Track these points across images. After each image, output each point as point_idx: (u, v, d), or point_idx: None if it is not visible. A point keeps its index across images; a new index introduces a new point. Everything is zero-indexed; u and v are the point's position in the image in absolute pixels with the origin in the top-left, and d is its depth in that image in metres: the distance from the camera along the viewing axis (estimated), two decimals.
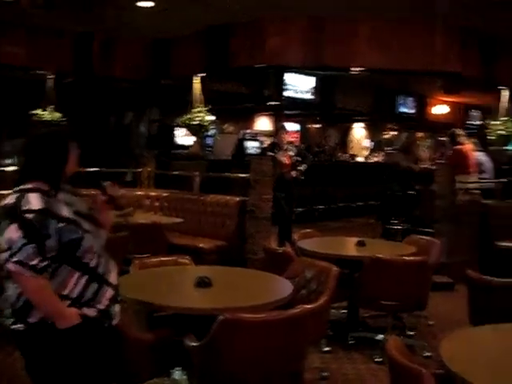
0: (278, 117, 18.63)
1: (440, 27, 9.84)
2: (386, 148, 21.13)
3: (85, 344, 3.04)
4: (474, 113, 20.58)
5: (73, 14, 9.85)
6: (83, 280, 3.05)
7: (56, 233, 2.95)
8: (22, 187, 3.03)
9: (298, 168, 10.16)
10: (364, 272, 5.79)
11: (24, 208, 2.93)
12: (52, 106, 11.48)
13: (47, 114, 11.38)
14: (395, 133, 22.60)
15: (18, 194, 3.00)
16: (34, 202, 2.95)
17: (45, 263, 2.91)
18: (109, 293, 3.14)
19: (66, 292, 3.01)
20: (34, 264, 2.88)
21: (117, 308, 3.21)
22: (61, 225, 2.98)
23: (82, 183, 3.65)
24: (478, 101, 17.96)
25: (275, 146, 10.14)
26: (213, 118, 10.94)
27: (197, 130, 10.59)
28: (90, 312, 3.05)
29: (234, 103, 16.01)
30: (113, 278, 3.20)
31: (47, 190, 3.04)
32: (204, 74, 10.72)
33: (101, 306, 3.09)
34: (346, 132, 22.07)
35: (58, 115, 11.42)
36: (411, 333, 6.58)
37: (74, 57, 11.04)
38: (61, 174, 3.12)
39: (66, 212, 3.04)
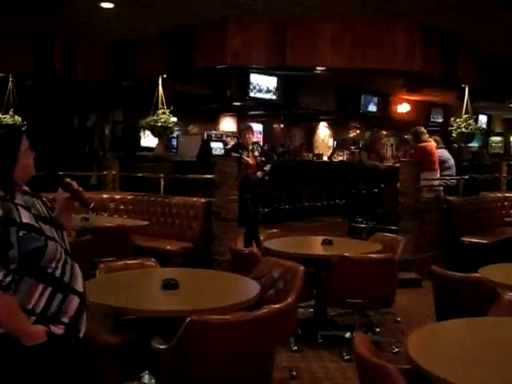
0: (242, 117, 18.65)
1: (402, 27, 9.93)
2: (350, 147, 21.30)
3: (50, 361, 2.89)
4: (437, 111, 20.79)
5: (32, 15, 9.74)
6: (47, 292, 2.87)
7: (17, 242, 2.76)
8: None
9: (263, 168, 10.17)
10: (331, 271, 5.82)
11: None
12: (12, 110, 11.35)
13: (8, 118, 11.24)
14: (359, 132, 22.79)
15: None
16: None
17: (9, 278, 2.74)
18: (75, 302, 2.97)
19: (29, 306, 2.84)
20: None
21: (84, 318, 3.05)
22: (22, 233, 2.79)
23: (45, 187, 3.51)
24: (441, 99, 18.14)
25: (240, 147, 10.14)
26: (176, 119, 10.90)
27: (161, 131, 10.53)
28: (57, 330, 2.88)
29: (197, 104, 15.98)
30: (79, 284, 3.03)
31: (2, 196, 2.86)
32: (166, 76, 10.67)
33: (66, 319, 2.91)
34: (311, 131, 22.15)
35: (19, 118, 11.29)
36: (379, 330, 6.63)
37: (34, 58, 10.91)
38: (11, 175, 2.91)
39: (26, 218, 2.86)
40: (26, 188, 3.08)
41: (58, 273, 2.91)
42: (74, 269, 3.04)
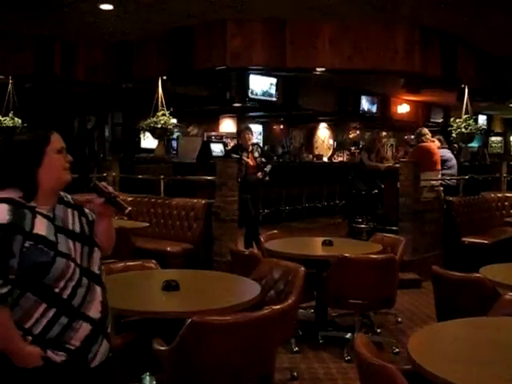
0: (242, 119, 18.65)
1: (401, 27, 9.94)
2: (350, 147, 21.31)
3: None
4: (437, 111, 20.80)
5: (32, 17, 9.74)
6: (50, 313, 2.64)
7: (20, 252, 2.57)
8: None
9: (264, 169, 10.17)
10: (331, 271, 5.82)
11: None
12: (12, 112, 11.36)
13: (8, 120, 11.24)
14: (359, 132, 22.79)
15: None
16: (0, 214, 2.59)
17: (5, 290, 2.54)
18: (84, 329, 2.71)
19: (27, 325, 2.63)
20: None
21: (101, 347, 2.79)
22: (27, 244, 2.59)
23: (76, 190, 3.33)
24: (440, 99, 18.14)
25: (240, 148, 10.15)
26: (175, 120, 10.90)
27: (161, 133, 10.54)
28: (55, 356, 2.65)
29: (197, 106, 15.98)
30: (94, 310, 2.76)
31: (18, 200, 2.68)
32: (166, 77, 10.68)
33: (71, 346, 2.68)
34: (311, 132, 22.15)
35: (19, 121, 11.29)
36: (380, 330, 6.64)
37: (34, 60, 10.91)
38: (33, 177, 2.73)
39: (41, 228, 2.66)
40: (68, 197, 2.93)
41: (66, 294, 2.68)
42: (91, 293, 2.78)
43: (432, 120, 20.45)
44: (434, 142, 10.63)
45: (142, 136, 16.72)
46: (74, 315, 2.69)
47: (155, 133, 10.54)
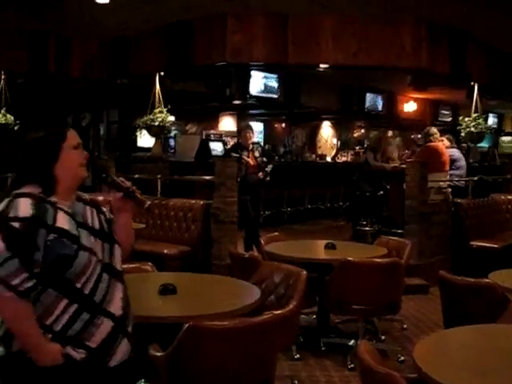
0: (243, 116, 18.66)
1: (407, 22, 9.93)
2: (355, 147, 21.30)
3: None
4: (445, 110, 20.79)
5: (27, 12, 9.75)
6: (72, 309, 2.71)
7: (44, 245, 2.65)
8: (15, 192, 2.76)
9: (265, 169, 10.17)
10: (334, 275, 5.82)
11: (11, 215, 2.64)
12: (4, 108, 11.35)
13: (0, 117, 11.24)
14: (363, 131, 22.78)
15: (8, 200, 2.72)
16: (23, 208, 2.67)
17: (30, 284, 2.61)
18: (105, 326, 2.78)
19: (48, 322, 2.68)
20: (16, 283, 2.58)
21: (121, 346, 2.85)
22: (51, 236, 2.67)
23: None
24: (449, 97, 18.15)
25: (240, 147, 10.15)
26: (173, 118, 10.91)
27: (158, 131, 10.55)
28: (76, 354, 2.70)
29: (196, 103, 15.99)
30: (115, 306, 2.84)
31: (39, 195, 2.76)
32: (164, 73, 10.68)
33: (92, 344, 2.73)
34: (314, 131, 22.15)
35: (11, 117, 11.29)
36: (384, 337, 6.63)
37: (28, 55, 10.91)
38: (50, 173, 2.82)
39: (63, 222, 2.75)
40: (85, 195, 3.02)
41: (87, 289, 2.75)
42: (113, 289, 2.86)
43: (440, 119, 20.45)
44: (442, 141, 10.61)
45: (138, 134, 16.66)
46: (95, 311, 2.76)
47: (152, 131, 10.55)
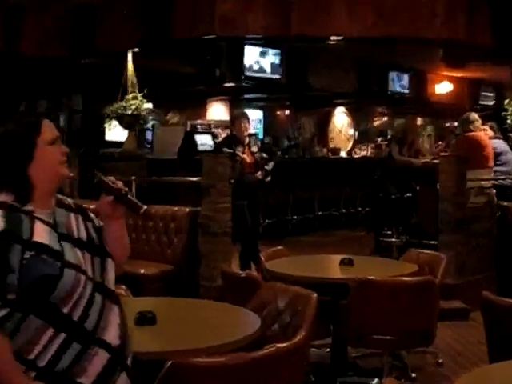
0: (236, 102, 18.67)
1: None
2: (376, 139, 21.33)
3: None
4: (487, 91, 20.81)
5: None
6: (59, 339, 2.68)
7: (19, 265, 2.61)
8: None
9: (264, 167, 10.18)
10: (351, 299, 5.82)
11: None
12: None
13: None
14: (386, 119, 22.81)
15: None
16: None
17: (3, 312, 2.60)
18: (100, 358, 2.76)
19: (31, 356, 2.64)
20: None
21: (119, 380, 2.84)
22: (28, 254, 2.63)
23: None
24: (491, 75, 18.15)
25: (233, 140, 10.16)
26: (150, 105, 10.91)
27: (131, 121, 10.56)
28: None
29: (178, 86, 15.98)
30: (112, 334, 2.83)
31: (11, 203, 2.74)
32: (138, 50, 10.68)
33: (85, 381, 2.71)
34: (325, 120, 22.17)
35: None
36: (415, 375, 6.63)
37: None
38: (25, 176, 2.80)
39: (42, 235, 2.72)
40: (67, 199, 3.01)
41: (76, 315, 2.73)
42: (107, 313, 2.86)
43: (481, 102, 20.47)
44: (484, 130, 10.59)
45: (107, 125, 16.65)
46: (87, 341, 2.74)
47: (124, 121, 10.56)
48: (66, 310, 2.70)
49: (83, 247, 2.87)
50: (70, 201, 3.01)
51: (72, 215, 2.94)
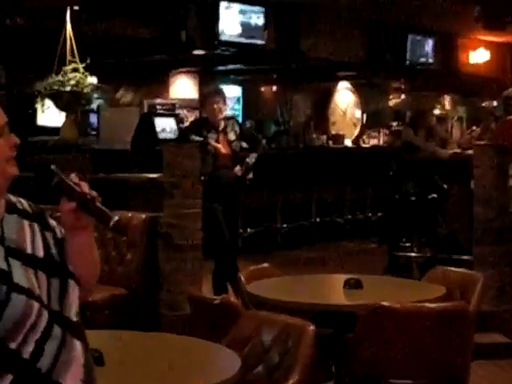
0: (208, 76, 18.68)
1: None
2: (390, 123, 21.37)
3: None
4: None
5: None
6: (5, 382, 2.67)
7: None
8: None
9: (245, 160, 10.18)
10: (360, 332, 5.83)
11: None
12: None
13: None
14: (404, 97, 22.87)
15: None
16: None
17: None
18: None
19: None
20: None
21: None
22: None
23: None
24: None
25: (204, 125, 10.16)
26: (95, 80, 10.90)
27: (71, 101, 10.55)
28: None
29: (131, 55, 15.99)
30: (73, 377, 2.83)
31: None
32: (79, 8, 10.68)
33: None
34: (324, 98, 22.23)
35: None
36: None
37: None
38: None
39: None
40: (21, 202, 2.99)
41: (27, 351, 2.72)
42: (67, 350, 2.85)
43: None
44: None
45: (38, 106, 16.66)
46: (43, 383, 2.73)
47: (61, 101, 10.54)
48: (13, 346, 2.69)
49: (37, 265, 2.82)
50: (26, 205, 2.96)
51: (26, 224, 2.89)
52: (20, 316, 2.68)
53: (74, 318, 2.90)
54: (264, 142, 17.77)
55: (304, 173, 15.49)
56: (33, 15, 11.57)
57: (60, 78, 10.30)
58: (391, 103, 23.09)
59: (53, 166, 2.93)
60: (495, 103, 13.89)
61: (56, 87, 10.33)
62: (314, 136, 20.27)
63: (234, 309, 5.57)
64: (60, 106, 10.71)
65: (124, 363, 4.31)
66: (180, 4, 13.17)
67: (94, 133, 17.53)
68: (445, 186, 11.33)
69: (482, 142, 10.65)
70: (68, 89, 10.29)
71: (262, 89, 21.54)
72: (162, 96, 18.58)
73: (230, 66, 18.62)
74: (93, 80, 10.65)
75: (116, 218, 2.89)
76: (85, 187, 2.90)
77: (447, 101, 23.36)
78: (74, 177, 2.93)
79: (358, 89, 22.39)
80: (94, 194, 2.91)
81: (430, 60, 18.68)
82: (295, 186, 15.18)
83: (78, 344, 2.87)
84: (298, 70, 19.17)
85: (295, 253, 14.18)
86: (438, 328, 5.77)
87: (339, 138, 20.66)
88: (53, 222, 2.98)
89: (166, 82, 18.77)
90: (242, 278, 6.70)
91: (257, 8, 14.76)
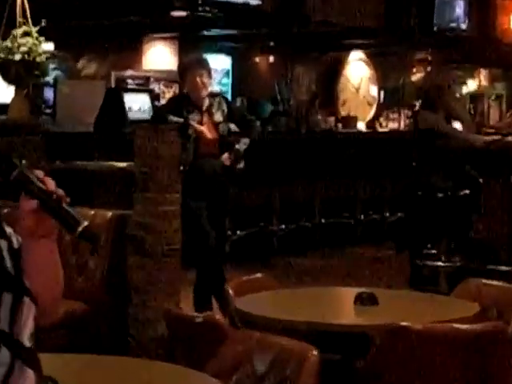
0: (189, 43, 18.69)
1: None
2: (413, 102, 21.41)
3: None
4: None
5: None
6: None
7: None
8: None
9: (235, 147, 10.19)
10: (375, 358, 5.84)
11: None
12: None
13: None
14: (430, 69, 22.91)
15: None
16: None
17: None
18: None
19: None
20: None
21: None
22: None
23: None
24: None
25: (184, 103, 10.16)
26: (52, 47, 10.91)
27: (22, 72, 10.57)
28: None
29: (95, 17, 16.00)
30: None
31: None
32: None
33: None
34: (332, 72, 22.28)
35: None
36: None
37: None
38: None
39: None
40: None
41: None
42: (15, 379, 2.84)
43: None
44: None
45: None
46: None
47: (10, 72, 10.55)
48: None
49: None
50: None
51: None
52: None
53: (28, 343, 2.89)
54: (258, 124, 17.79)
55: (307, 163, 15.51)
56: None
57: (8, 43, 10.30)
58: (414, 78, 23.14)
59: (15, 158, 2.92)
60: None
61: (3, 55, 10.33)
62: (320, 118, 20.30)
63: (220, 329, 5.58)
64: (8, 78, 10.72)
65: None
66: None
67: (49, 111, 17.52)
68: (480, 181, 11.35)
69: None
70: (18, 57, 10.29)
71: (257, 59, 21.56)
72: (134, 67, 18.61)
73: (217, 31, 18.62)
74: (48, 47, 10.65)
75: (85, 223, 2.87)
76: (50, 184, 2.89)
77: (483, 75, 23.40)
78: (39, 172, 2.92)
79: (373, 60, 22.44)
80: (61, 192, 2.89)
81: (462, 25, 18.72)
82: (296, 180, 15.21)
83: (29, 373, 2.87)
84: (300, 37, 19.19)
85: (295, 260, 14.21)
86: (469, 354, 5.78)
87: (350, 121, 20.71)
88: (9, 230, 3.00)
89: (139, 49, 18.80)
90: (230, 292, 6.72)
91: None
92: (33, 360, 2.91)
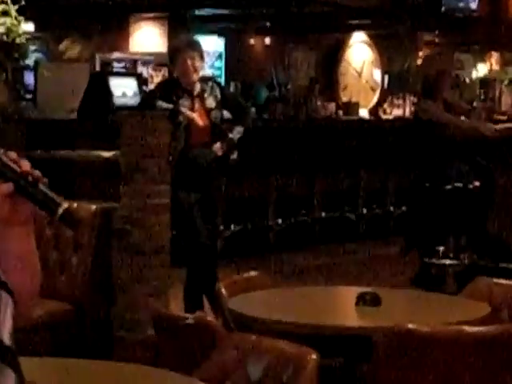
0: (179, 24, 18.70)
1: None
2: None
3: None
4: None
5: None
6: None
7: None
8: None
9: (228, 136, 10.19)
10: (377, 362, 5.84)
11: None
12: None
13: None
14: (439, 51, 22.89)
15: None
16: None
17: None
18: None
19: None
20: None
21: None
22: None
23: None
24: None
25: (174, 88, 10.16)
26: (32, 27, 10.92)
27: (0, 54, 10.58)
28: None
29: None
30: None
31: None
32: None
33: None
34: (333, 55, 22.28)
35: None
36: None
37: None
38: None
39: None
40: None
41: None
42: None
43: None
44: None
45: None
46: None
47: None
48: None
49: None
50: None
51: None
52: None
53: (7, 342, 2.87)
54: (253, 111, 17.81)
55: (305, 153, 15.52)
56: None
57: None
58: (421, 62, 23.14)
59: None
60: None
61: None
62: (319, 104, 20.31)
63: (212, 331, 5.58)
64: None
65: None
66: None
67: (29, 96, 17.54)
68: (492, 172, 11.35)
69: None
70: None
71: (252, 41, 21.58)
72: (120, 49, 18.62)
73: (209, 11, 18.63)
74: (28, 27, 10.65)
75: (65, 205, 2.81)
76: (25, 166, 2.84)
77: (494, 59, 23.41)
78: (13, 154, 2.87)
79: (377, 42, 22.46)
80: (37, 173, 2.85)
81: (472, 5, 18.73)
82: (293, 171, 15.21)
83: (10, 375, 2.85)
84: (299, 17, 19.20)
85: (293, 257, 14.21)
86: (479, 358, 5.79)
87: (352, 107, 20.71)
88: None
89: (126, 30, 18.81)
90: (223, 291, 6.72)
91: None
92: (13, 361, 2.89)
